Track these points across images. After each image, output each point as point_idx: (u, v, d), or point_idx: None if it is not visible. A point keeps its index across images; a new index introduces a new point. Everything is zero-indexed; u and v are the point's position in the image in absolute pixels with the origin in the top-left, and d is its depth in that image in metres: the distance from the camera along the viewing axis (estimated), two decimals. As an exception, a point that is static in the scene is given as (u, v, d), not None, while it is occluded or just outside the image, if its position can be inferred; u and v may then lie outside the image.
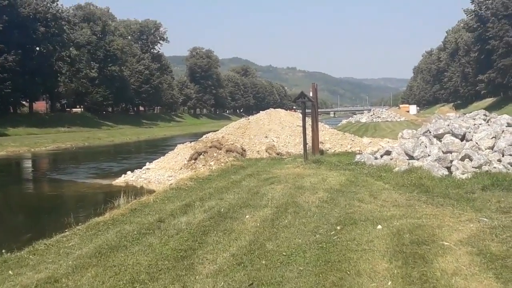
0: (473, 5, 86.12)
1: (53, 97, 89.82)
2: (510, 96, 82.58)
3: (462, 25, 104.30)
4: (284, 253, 6.79)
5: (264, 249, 7.01)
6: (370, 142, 23.43)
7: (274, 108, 30.28)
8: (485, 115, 15.52)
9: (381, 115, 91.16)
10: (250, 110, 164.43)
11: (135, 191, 14.92)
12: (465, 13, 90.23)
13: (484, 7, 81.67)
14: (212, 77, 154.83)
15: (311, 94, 18.66)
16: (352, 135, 25.42)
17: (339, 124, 79.10)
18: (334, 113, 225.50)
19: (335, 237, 7.44)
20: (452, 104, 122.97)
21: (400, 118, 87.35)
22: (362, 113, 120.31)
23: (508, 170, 12.38)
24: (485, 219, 8.27)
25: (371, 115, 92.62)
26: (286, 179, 13.08)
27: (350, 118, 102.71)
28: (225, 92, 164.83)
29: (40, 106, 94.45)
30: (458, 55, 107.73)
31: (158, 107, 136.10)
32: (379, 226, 7.91)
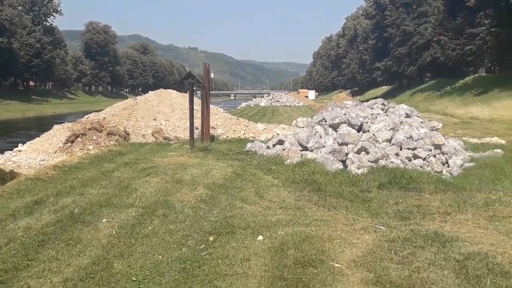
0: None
1: None
2: (404, 85, 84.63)
3: (361, 12, 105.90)
4: (134, 278, 5.31)
5: (110, 271, 5.47)
6: (265, 128, 22.20)
7: (174, 88, 28.38)
8: (383, 104, 14.62)
9: (280, 99, 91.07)
10: (149, 89, 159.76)
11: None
12: (364, 0, 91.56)
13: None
14: (109, 53, 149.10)
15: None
16: (247, 120, 24.12)
17: (238, 107, 78.16)
18: (235, 96, 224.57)
19: (205, 252, 6.03)
20: (349, 90, 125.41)
21: (298, 103, 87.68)
22: (262, 96, 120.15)
23: (406, 165, 11.50)
24: (382, 227, 7.17)
25: (270, 99, 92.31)
26: (165, 170, 11.55)
27: (250, 101, 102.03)
28: (122, 69, 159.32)
29: None
30: (357, 42, 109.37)
31: (50, 83, 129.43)
32: (260, 237, 6.59)
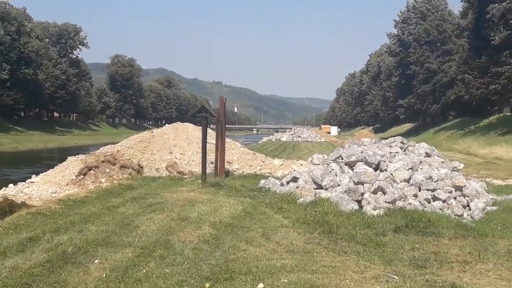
0: (396, 29, 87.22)
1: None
2: (428, 123, 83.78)
3: (385, 49, 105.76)
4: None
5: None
6: (282, 164, 21.72)
7: (190, 121, 28.00)
8: (402, 142, 14.05)
9: (301, 135, 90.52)
10: (172, 122, 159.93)
11: (4, 210, 12.45)
12: (388, 37, 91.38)
13: (406, 32, 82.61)
14: (133, 86, 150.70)
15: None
16: (264, 155, 23.64)
17: (259, 142, 77.85)
18: (257, 130, 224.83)
19: (197, 302, 5.52)
20: (371, 127, 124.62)
21: (320, 138, 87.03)
22: (285, 131, 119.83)
23: (425, 207, 10.91)
24: (395, 276, 6.61)
25: (292, 134, 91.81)
26: (172, 207, 11.10)
27: (271, 136, 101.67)
28: (146, 102, 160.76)
29: None
30: (380, 79, 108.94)
31: (75, 115, 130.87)
32: (261, 285, 6.08)
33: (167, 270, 6.57)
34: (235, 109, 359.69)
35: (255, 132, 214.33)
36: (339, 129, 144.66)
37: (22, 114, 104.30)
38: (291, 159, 27.13)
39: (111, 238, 8.15)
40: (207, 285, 6.02)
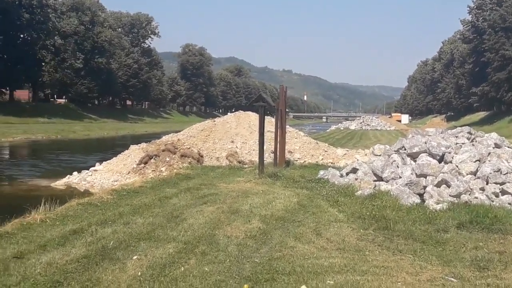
0: (470, 16, 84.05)
1: (36, 86, 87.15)
2: (503, 111, 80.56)
3: (458, 36, 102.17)
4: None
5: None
6: (345, 154, 21.10)
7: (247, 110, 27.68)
8: (469, 133, 13.21)
9: (370, 123, 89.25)
10: (242, 110, 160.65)
11: (65, 198, 12.46)
12: (462, 24, 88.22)
13: (481, 18, 79.43)
14: (203, 75, 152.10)
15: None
16: (326, 145, 23.08)
17: (328, 130, 77.05)
18: (327, 118, 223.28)
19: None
20: (444, 115, 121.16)
21: (390, 127, 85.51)
22: (354, 119, 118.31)
23: (492, 201, 10.18)
24: (453, 279, 6.08)
25: (361, 123, 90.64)
26: (224, 198, 10.83)
27: (340, 124, 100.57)
28: (216, 91, 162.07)
29: (23, 94, 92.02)
30: (453, 66, 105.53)
31: (147, 103, 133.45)
32: (303, 287, 5.66)
33: (206, 269, 6.24)
34: (305, 97, 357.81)
35: (324, 120, 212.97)
36: (410, 117, 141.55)
37: (96, 102, 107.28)
38: (356, 149, 26.45)
39: (155, 232, 7.92)
40: (246, 286, 5.65)
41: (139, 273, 6.05)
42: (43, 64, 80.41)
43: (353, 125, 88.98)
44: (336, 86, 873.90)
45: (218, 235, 7.79)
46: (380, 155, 13.43)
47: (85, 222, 8.56)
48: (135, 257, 6.64)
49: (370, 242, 7.71)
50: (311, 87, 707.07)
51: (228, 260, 6.62)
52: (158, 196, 11.24)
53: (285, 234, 8.03)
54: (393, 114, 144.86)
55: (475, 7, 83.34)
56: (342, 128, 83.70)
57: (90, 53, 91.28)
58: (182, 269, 6.22)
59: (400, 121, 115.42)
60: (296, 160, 19.26)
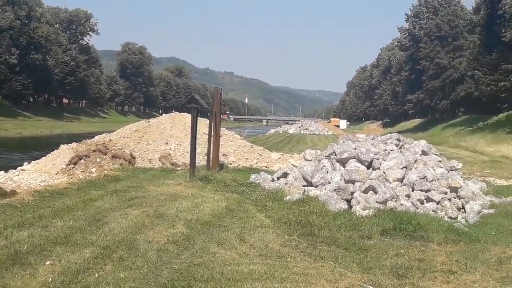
0: (408, 23, 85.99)
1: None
2: (437, 118, 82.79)
3: (396, 43, 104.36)
4: None
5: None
6: (279, 158, 21.09)
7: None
8: (398, 139, 13.43)
9: (309, 128, 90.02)
10: (183, 112, 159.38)
11: None
12: (399, 31, 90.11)
13: (418, 26, 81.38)
14: (143, 74, 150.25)
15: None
16: (262, 148, 23.01)
17: (266, 133, 77.39)
18: (267, 122, 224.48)
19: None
20: (380, 122, 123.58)
21: (328, 132, 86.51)
22: (293, 123, 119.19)
23: (417, 208, 10.35)
24: (370, 287, 6.07)
25: (299, 127, 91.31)
26: (151, 202, 10.59)
27: (279, 128, 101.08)
28: (156, 91, 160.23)
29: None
30: (390, 73, 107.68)
31: (84, 101, 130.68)
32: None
33: (121, 275, 6.04)
34: (246, 100, 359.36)
35: (264, 123, 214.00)
36: (348, 123, 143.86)
37: (31, 99, 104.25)
38: (292, 153, 26.55)
39: (74, 236, 7.65)
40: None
41: (50, 280, 5.80)
42: (-25, 59, 77.74)
43: (291, 129, 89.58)
44: (277, 89, 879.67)
45: (139, 240, 7.59)
46: (311, 160, 13.47)
47: (1, 224, 8.18)
48: (48, 262, 6.38)
49: (293, 248, 7.67)
50: (253, 90, 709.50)
51: (146, 266, 6.45)
52: (83, 198, 10.91)
53: (208, 239, 7.90)
54: (331, 119, 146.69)
55: (412, 15, 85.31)
56: (281, 132, 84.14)
57: (26, 49, 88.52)
58: (96, 275, 6.00)
59: (338, 126, 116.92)
60: (230, 164, 19.14)
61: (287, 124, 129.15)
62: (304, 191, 11.53)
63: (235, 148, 21.12)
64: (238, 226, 8.84)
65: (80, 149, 18.71)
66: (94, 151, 18.05)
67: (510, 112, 56.21)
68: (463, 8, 77.76)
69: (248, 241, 7.90)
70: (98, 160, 17.59)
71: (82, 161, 17.71)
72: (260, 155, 21.01)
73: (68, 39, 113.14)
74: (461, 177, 12.49)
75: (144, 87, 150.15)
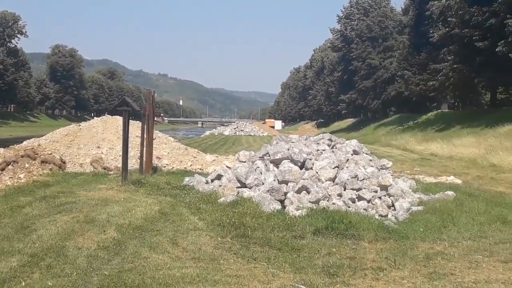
0: (339, 25, 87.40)
1: None
2: (369, 118, 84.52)
3: (328, 44, 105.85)
4: None
5: None
6: (214, 160, 21.03)
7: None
8: (330, 139, 13.60)
9: (244, 129, 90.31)
10: (115, 114, 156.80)
11: None
12: (332, 32, 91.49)
13: (349, 27, 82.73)
14: (74, 77, 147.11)
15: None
16: (196, 150, 22.89)
17: (202, 135, 77.06)
18: (202, 123, 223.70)
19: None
20: (315, 122, 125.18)
21: (263, 133, 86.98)
22: (229, 125, 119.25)
23: (349, 207, 10.53)
24: (302, 286, 6.12)
25: (235, 128, 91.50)
26: (81, 207, 10.34)
27: (214, 130, 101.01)
28: (88, 94, 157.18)
29: None
30: (323, 74, 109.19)
31: (12, 105, 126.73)
32: (149, 300, 5.48)
33: (49, 283, 5.87)
34: (180, 102, 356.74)
35: (199, 125, 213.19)
36: (283, 124, 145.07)
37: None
38: (227, 154, 26.54)
39: (0, 244, 7.39)
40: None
41: (-27, 291, 5.59)
42: None
43: (227, 131, 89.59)
44: (212, 91, 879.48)
45: (68, 247, 7.39)
46: (245, 161, 13.50)
47: None
48: (-28, 273, 6.14)
49: (227, 251, 7.65)
50: (187, 92, 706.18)
51: (75, 273, 6.29)
52: (10, 205, 10.56)
53: (140, 244, 7.78)
54: (266, 120, 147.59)
55: (343, 16, 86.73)
56: (216, 134, 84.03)
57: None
58: (23, 284, 5.82)
59: (273, 127, 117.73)
60: (164, 167, 18.95)
61: (223, 125, 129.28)
62: (238, 192, 11.54)
63: (169, 151, 20.93)
64: (171, 230, 8.75)
65: (7, 154, 18.09)
66: (22, 156, 17.49)
67: (439, 110, 58.11)
68: (392, 10, 79.74)
69: (181, 245, 7.83)
70: (26, 165, 17.06)
71: (10, 167, 17.12)
72: (195, 157, 20.90)
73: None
74: (392, 176, 12.75)
75: (76, 90, 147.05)
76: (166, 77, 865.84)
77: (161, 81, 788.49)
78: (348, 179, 11.24)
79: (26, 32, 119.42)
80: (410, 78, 54.14)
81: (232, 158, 21.69)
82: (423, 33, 51.08)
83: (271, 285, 6.16)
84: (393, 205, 11.00)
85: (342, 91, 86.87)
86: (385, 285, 6.32)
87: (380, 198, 11.05)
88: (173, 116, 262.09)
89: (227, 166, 15.27)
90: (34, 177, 15.94)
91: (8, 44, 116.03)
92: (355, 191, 11.08)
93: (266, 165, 12.41)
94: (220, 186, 12.35)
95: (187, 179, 13.89)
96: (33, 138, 21.67)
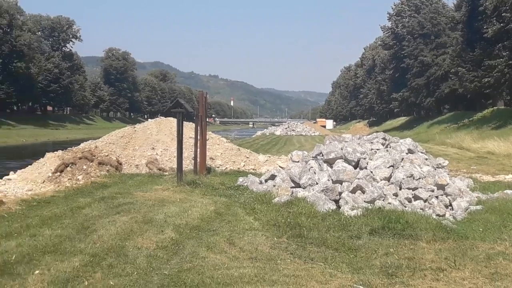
0: (390, 22, 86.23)
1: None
2: (422, 116, 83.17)
3: (379, 42, 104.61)
4: None
5: None
6: (267, 160, 21.10)
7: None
8: (384, 138, 13.46)
9: (295, 129, 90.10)
10: (168, 116, 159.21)
11: None
12: (382, 30, 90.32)
13: (400, 25, 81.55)
14: (128, 80, 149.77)
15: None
16: (248, 151, 23.00)
17: (253, 135, 77.27)
18: (253, 124, 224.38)
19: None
20: (366, 121, 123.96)
21: (314, 132, 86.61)
22: (280, 125, 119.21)
23: (405, 207, 10.40)
24: (360, 287, 6.08)
25: (286, 128, 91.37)
26: (139, 208, 10.55)
27: (265, 130, 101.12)
28: (141, 96, 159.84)
29: None
30: (375, 72, 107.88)
31: (68, 108, 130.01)
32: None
33: (111, 283, 6.02)
34: (231, 103, 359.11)
35: (250, 125, 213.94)
36: (334, 123, 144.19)
37: (15, 108, 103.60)
38: (279, 154, 26.58)
39: (63, 244, 7.60)
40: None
41: (38, 290, 5.76)
42: (-43, 68, 77.24)
43: (278, 131, 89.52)
44: (263, 91, 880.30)
45: (128, 247, 7.55)
46: (298, 161, 13.48)
47: (-12, 235, 8.12)
48: (37, 272, 6.33)
49: (283, 251, 7.68)
50: (238, 93, 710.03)
51: (136, 273, 6.43)
52: (70, 206, 10.85)
53: (197, 244, 7.89)
54: (317, 120, 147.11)
55: (394, 13, 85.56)
56: (267, 134, 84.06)
57: (8, 58, 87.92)
58: (86, 284, 5.97)
59: (324, 126, 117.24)
60: (218, 167, 19.12)
61: (274, 125, 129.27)
62: (292, 192, 11.56)
63: (222, 152, 21.10)
64: (227, 230, 8.84)
65: (66, 156, 18.59)
66: (80, 158, 17.94)
67: (495, 108, 56.60)
68: (444, 6, 78.12)
69: (238, 245, 7.90)
70: (84, 167, 17.49)
71: (68, 168, 17.60)
72: (247, 157, 21.00)
73: (51, 47, 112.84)
74: (448, 174, 12.55)
75: (129, 93, 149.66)
76: (217, 78, 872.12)
77: (212, 82, 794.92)
78: (403, 178, 11.11)
79: (80, 36, 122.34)
80: (464, 75, 52.88)
81: (284, 158, 21.71)
82: (477, 29, 49.79)
83: (329, 285, 6.15)
84: (450, 205, 10.81)
85: (394, 89, 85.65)
86: (445, 285, 6.24)
87: (437, 197, 10.87)
88: (224, 117, 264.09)
89: (280, 166, 15.29)
90: (92, 178, 16.33)
91: (63, 48, 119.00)
92: (411, 190, 10.94)
93: (319, 165, 12.38)
94: (274, 186, 12.38)
95: (241, 179, 14.00)
96: (90, 140, 22.17)
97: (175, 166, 18.24)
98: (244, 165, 19.83)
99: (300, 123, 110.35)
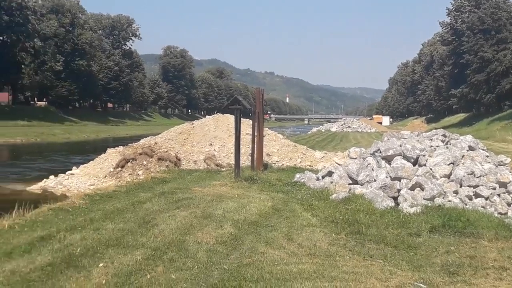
0: (449, 18, 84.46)
1: (16, 89, 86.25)
2: (482, 113, 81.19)
3: (437, 38, 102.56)
4: None
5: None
6: (323, 156, 21.05)
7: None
8: (444, 135, 13.23)
9: (351, 125, 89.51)
10: (224, 112, 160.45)
11: (39, 203, 12.20)
12: (441, 26, 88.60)
13: (460, 20, 79.87)
14: (185, 77, 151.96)
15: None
16: (305, 147, 22.98)
17: (309, 132, 77.09)
18: (309, 120, 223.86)
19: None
20: (424, 117, 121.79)
21: (371, 129, 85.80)
22: (335, 121, 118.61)
23: (466, 204, 10.21)
24: (422, 285, 6.05)
25: (342, 125, 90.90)
26: (198, 203, 10.72)
27: (321, 126, 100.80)
28: (198, 93, 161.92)
29: (2, 97, 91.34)
30: (433, 68, 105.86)
31: (128, 105, 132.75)
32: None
33: (173, 276, 6.14)
34: (287, 99, 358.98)
35: (306, 122, 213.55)
36: (391, 119, 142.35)
37: (77, 104, 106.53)
38: (336, 151, 26.48)
39: (125, 238, 7.80)
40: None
41: (104, 281, 5.93)
42: (22, 66, 79.76)
43: (334, 127, 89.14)
44: (318, 88, 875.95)
45: (188, 241, 7.69)
46: (355, 158, 13.40)
47: (54, 228, 8.39)
48: (101, 265, 6.52)
49: (342, 247, 7.67)
50: (293, 89, 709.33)
51: (196, 267, 6.54)
52: (132, 200, 11.12)
53: (256, 239, 7.96)
54: (374, 116, 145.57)
55: (453, 9, 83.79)
56: (323, 130, 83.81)
57: (71, 56, 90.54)
58: (148, 277, 6.11)
59: (381, 123, 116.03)
60: (274, 163, 19.21)
61: (329, 122, 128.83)
62: (350, 189, 11.52)
63: (279, 148, 21.17)
64: (285, 226, 8.88)
65: (126, 152, 19.05)
66: (140, 154, 18.36)
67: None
68: (505, 1, 75.96)
69: (296, 241, 7.93)
70: (144, 162, 17.89)
71: (129, 164, 18.05)
72: (304, 154, 21.01)
73: (111, 45, 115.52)
74: (510, 172, 12.23)
75: (186, 90, 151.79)
76: (273, 75, 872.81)
77: (267, 79, 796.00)
78: (464, 176, 10.91)
79: (139, 34, 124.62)
80: (527, 70, 51.37)
81: (341, 155, 21.61)
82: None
83: (389, 283, 6.12)
84: (513, 203, 10.55)
85: (452, 85, 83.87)
86: (509, 285, 6.12)
87: (499, 195, 10.62)
88: (280, 114, 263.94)
89: (337, 163, 15.23)
90: (152, 173, 16.69)
91: (123, 46, 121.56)
92: (471, 188, 10.73)
93: (377, 161, 12.27)
94: (331, 182, 12.36)
95: (297, 175, 14.03)
96: (150, 137, 22.63)
97: (232, 162, 18.43)
98: (300, 162, 19.85)
99: (356, 119, 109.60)
